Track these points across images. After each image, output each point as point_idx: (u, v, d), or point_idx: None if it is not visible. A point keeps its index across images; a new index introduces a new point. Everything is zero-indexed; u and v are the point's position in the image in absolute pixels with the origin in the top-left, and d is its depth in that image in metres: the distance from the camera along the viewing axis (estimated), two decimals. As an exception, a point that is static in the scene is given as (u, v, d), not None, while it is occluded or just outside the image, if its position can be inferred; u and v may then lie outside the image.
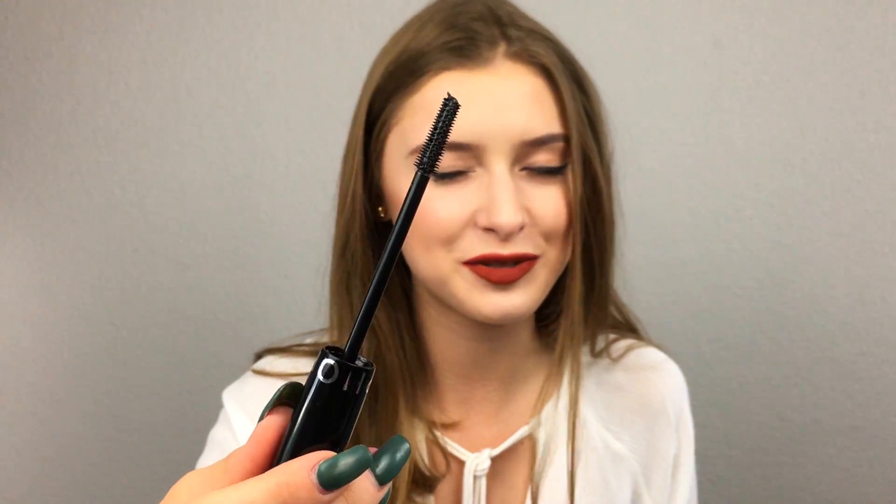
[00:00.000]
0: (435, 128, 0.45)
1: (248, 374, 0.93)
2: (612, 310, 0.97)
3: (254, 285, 1.40)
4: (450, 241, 0.78)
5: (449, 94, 0.46)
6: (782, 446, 1.39)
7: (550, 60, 0.80)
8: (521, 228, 0.77)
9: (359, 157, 0.84)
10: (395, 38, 0.84)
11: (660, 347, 1.00)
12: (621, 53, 1.35)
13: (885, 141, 1.34)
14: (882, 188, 1.34)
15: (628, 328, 0.99)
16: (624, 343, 0.97)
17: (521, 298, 0.79)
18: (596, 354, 0.95)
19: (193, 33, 1.37)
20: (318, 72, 1.37)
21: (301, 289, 1.39)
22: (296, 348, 0.94)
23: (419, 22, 0.83)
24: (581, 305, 0.85)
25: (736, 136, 1.34)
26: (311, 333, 0.96)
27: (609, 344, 0.97)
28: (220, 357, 1.40)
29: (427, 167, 0.46)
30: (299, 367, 0.91)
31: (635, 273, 1.37)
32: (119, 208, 1.39)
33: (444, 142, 0.45)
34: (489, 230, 0.77)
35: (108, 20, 1.38)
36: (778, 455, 1.39)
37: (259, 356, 0.96)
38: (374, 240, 0.86)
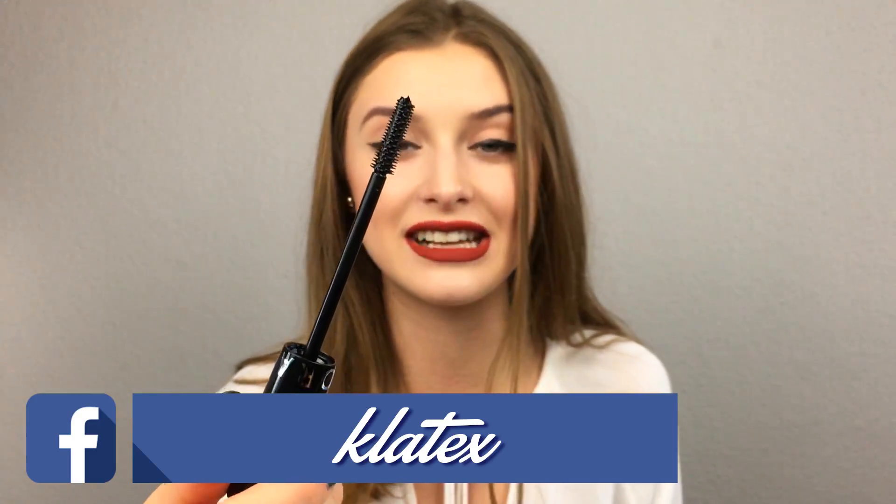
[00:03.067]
0: (389, 128, 0.45)
1: (230, 384, 0.94)
2: (590, 311, 0.97)
3: (254, 284, 1.40)
4: (395, 215, 0.79)
5: (403, 97, 0.46)
6: (782, 446, 1.39)
7: (498, 43, 0.81)
8: (464, 201, 0.78)
9: (327, 142, 0.86)
10: (364, 32, 0.87)
11: (639, 341, 0.99)
12: (621, 54, 1.35)
13: (885, 141, 1.34)
14: (882, 188, 1.34)
15: (609, 327, 0.99)
16: (603, 339, 0.97)
17: (469, 279, 0.79)
18: (576, 345, 0.95)
19: (193, 34, 1.38)
20: (318, 72, 1.38)
21: (300, 288, 1.39)
22: (273, 355, 0.94)
23: (386, 13, 0.86)
24: (524, 287, 0.83)
25: (736, 136, 1.34)
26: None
27: (588, 340, 0.96)
28: (219, 356, 1.40)
29: (382, 169, 0.46)
30: None
31: (635, 273, 1.38)
32: (119, 208, 1.39)
33: (398, 142, 0.46)
34: (430, 200, 0.78)
35: (109, 20, 1.38)
36: (777, 455, 1.39)
37: (239, 368, 0.97)
38: (344, 221, 0.87)
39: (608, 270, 1.35)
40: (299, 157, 1.38)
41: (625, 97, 1.35)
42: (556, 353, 0.95)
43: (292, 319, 1.40)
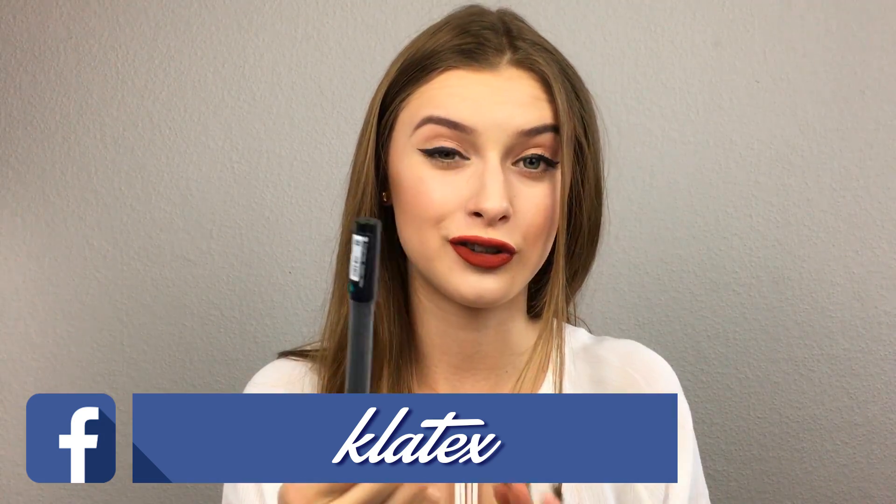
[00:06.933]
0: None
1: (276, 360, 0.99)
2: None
3: (258, 281, 1.41)
4: (439, 220, 0.84)
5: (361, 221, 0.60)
6: (781, 442, 1.40)
7: (550, 70, 0.86)
8: (505, 218, 0.83)
9: (372, 143, 0.89)
10: (412, 42, 0.91)
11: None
12: (622, 53, 1.36)
13: (885, 140, 1.35)
14: (882, 187, 1.35)
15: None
16: (614, 342, 1.00)
17: (497, 284, 0.84)
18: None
19: (199, 32, 1.39)
20: (323, 70, 1.39)
21: (305, 285, 1.40)
22: (305, 351, 0.98)
23: (435, 28, 0.90)
24: (563, 298, 0.90)
25: (736, 136, 1.35)
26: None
27: (597, 342, 0.99)
28: (225, 352, 1.41)
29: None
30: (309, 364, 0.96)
31: (636, 270, 1.39)
32: (125, 205, 1.40)
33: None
34: (476, 214, 0.82)
35: (116, 20, 1.39)
36: (776, 451, 1.40)
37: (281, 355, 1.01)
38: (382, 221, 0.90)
39: (609, 268, 1.36)
40: (304, 155, 1.39)
41: (625, 96, 1.36)
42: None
43: (296, 316, 1.41)
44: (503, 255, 0.84)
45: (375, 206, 0.90)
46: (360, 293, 0.61)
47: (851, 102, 1.34)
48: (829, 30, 1.33)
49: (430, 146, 0.84)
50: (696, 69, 1.35)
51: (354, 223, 0.61)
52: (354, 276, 0.60)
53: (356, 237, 0.60)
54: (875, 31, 1.33)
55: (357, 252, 0.60)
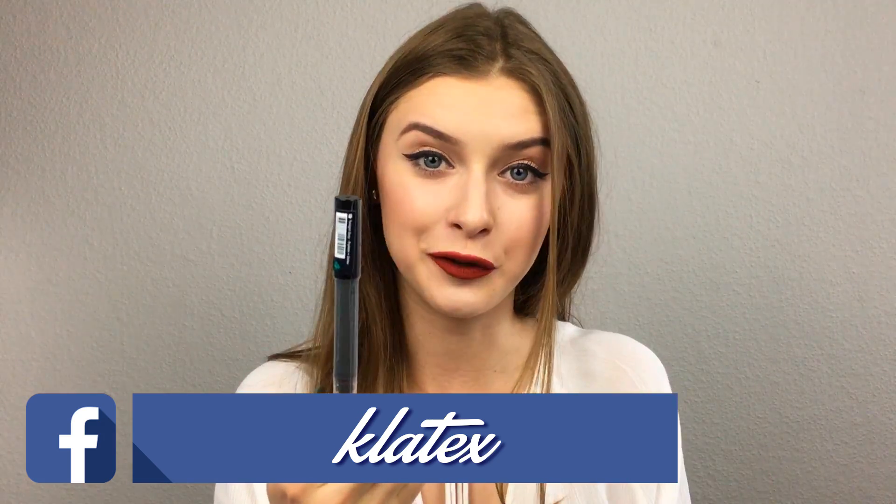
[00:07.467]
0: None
1: (266, 362, 0.99)
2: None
3: (258, 281, 1.41)
4: (421, 230, 0.83)
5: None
6: (781, 442, 1.40)
7: (541, 81, 0.84)
8: (486, 231, 0.82)
9: (361, 143, 0.89)
10: (409, 40, 0.89)
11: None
12: (622, 53, 1.36)
13: (884, 140, 1.35)
14: (881, 187, 1.35)
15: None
16: (600, 334, 1.00)
17: (474, 297, 0.84)
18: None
19: (199, 32, 1.39)
20: (323, 70, 1.39)
21: (305, 285, 1.40)
22: (301, 353, 0.98)
23: (432, 27, 0.88)
24: (553, 312, 0.89)
25: (735, 135, 1.35)
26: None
27: (584, 335, 0.99)
28: (224, 352, 1.41)
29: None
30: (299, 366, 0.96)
31: (636, 270, 1.39)
32: (125, 205, 1.41)
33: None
34: (456, 226, 0.82)
35: (115, 19, 1.39)
36: (776, 451, 1.40)
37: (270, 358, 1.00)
38: (371, 220, 0.91)
39: (609, 268, 1.36)
40: (304, 155, 1.39)
41: (625, 96, 1.36)
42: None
43: (296, 316, 1.42)
44: (478, 270, 0.83)
45: (365, 204, 0.90)
46: (346, 270, 0.61)
47: (851, 102, 1.34)
48: (829, 30, 1.33)
49: (414, 151, 0.83)
50: (696, 69, 1.35)
51: (335, 200, 0.61)
52: (340, 254, 0.61)
53: (339, 214, 0.61)
54: (875, 31, 1.33)
55: (341, 229, 0.61)
